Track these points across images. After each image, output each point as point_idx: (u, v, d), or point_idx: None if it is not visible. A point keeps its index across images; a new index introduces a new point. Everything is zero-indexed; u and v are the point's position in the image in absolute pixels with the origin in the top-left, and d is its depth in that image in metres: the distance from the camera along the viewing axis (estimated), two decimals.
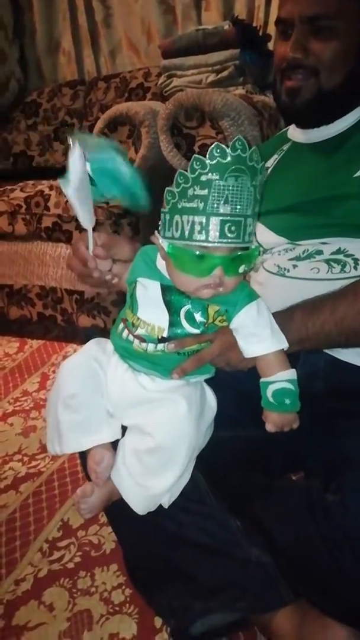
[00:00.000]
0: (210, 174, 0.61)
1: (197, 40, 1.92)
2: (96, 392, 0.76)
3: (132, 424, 0.76)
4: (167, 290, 0.71)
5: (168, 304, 0.71)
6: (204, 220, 0.62)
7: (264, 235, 0.89)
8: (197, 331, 0.71)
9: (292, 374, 0.71)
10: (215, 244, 0.63)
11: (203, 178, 0.61)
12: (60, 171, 0.69)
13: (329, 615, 0.70)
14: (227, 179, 0.61)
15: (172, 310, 0.71)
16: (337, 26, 0.80)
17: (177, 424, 0.70)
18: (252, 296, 0.72)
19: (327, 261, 0.81)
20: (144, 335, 0.72)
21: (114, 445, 0.77)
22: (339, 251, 0.80)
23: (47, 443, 0.79)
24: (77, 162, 0.67)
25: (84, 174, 0.68)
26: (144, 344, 0.72)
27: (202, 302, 0.70)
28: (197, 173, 0.61)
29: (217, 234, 0.62)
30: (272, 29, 1.92)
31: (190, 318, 0.71)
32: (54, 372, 1.84)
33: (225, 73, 1.83)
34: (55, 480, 1.27)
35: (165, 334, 0.71)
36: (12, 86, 2.81)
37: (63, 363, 0.79)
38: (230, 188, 0.61)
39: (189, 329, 0.71)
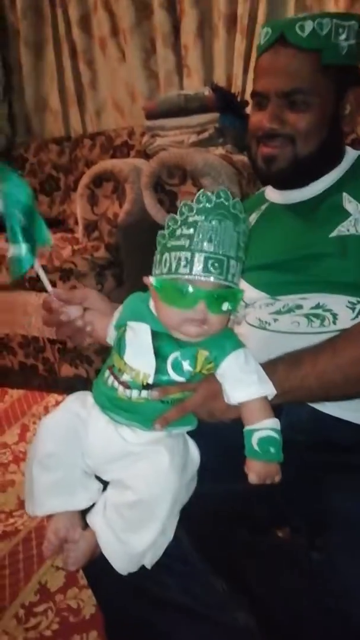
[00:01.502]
0: (196, 216, 0.67)
1: (179, 103, 2.04)
2: (74, 451, 0.75)
3: (114, 478, 0.75)
4: (157, 336, 0.72)
5: (156, 350, 0.72)
6: (189, 255, 0.67)
7: (245, 290, 0.91)
8: (182, 379, 0.72)
9: (276, 422, 0.71)
10: (198, 278, 0.67)
11: (190, 219, 0.67)
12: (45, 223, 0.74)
13: None
14: (211, 221, 0.67)
15: (160, 356, 0.71)
16: (311, 101, 0.86)
17: (159, 477, 0.69)
18: (240, 344, 0.74)
19: (307, 315, 0.83)
20: (128, 382, 0.72)
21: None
22: (317, 306, 0.83)
23: (25, 502, 0.78)
24: None
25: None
26: (128, 391, 0.72)
27: (191, 349, 0.71)
28: (184, 216, 0.68)
29: (201, 268, 0.67)
30: (249, 95, 2.04)
31: (177, 366, 0.71)
32: (34, 423, 1.80)
33: (206, 134, 1.94)
34: (34, 539, 1.23)
35: (150, 380, 0.71)
36: (0, 141, 2.90)
37: (43, 421, 0.78)
38: (214, 229, 0.67)
39: (175, 377, 0.72)
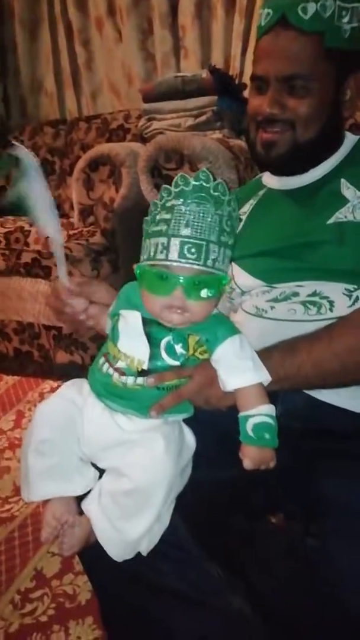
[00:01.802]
0: (174, 200, 0.66)
1: (177, 86, 2.00)
2: (70, 437, 0.75)
3: (110, 465, 0.74)
4: (149, 323, 0.72)
5: (149, 336, 0.71)
6: (165, 241, 0.66)
7: (242, 277, 0.90)
8: (177, 363, 0.72)
9: (271, 408, 0.71)
10: (174, 263, 0.66)
11: (168, 204, 0.66)
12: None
13: None
14: (189, 205, 0.66)
15: (153, 342, 0.71)
16: (311, 86, 0.83)
17: (155, 464, 0.69)
18: (235, 330, 0.73)
19: (304, 303, 0.82)
20: (124, 368, 0.72)
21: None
22: (314, 294, 0.82)
23: (21, 488, 0.77)
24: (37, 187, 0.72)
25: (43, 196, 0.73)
26: (123, 377, 0.72)
27: (182, 333, 0.71)
28: (163, 200, 0.67)
29: (177, 253, 0.66)
30: (247, 78, 2.01)
31: (170, 350, 0.71)
32: (29, 409, 1.80)
33: (203, 118, 1.91)
34: (29, 526, 1.23)
35: (145, 367, 0.71)
36: None
37: (38, 407, 0.77)
38: (192, 213, 0.66)
39: (169, 361, 0.71)
